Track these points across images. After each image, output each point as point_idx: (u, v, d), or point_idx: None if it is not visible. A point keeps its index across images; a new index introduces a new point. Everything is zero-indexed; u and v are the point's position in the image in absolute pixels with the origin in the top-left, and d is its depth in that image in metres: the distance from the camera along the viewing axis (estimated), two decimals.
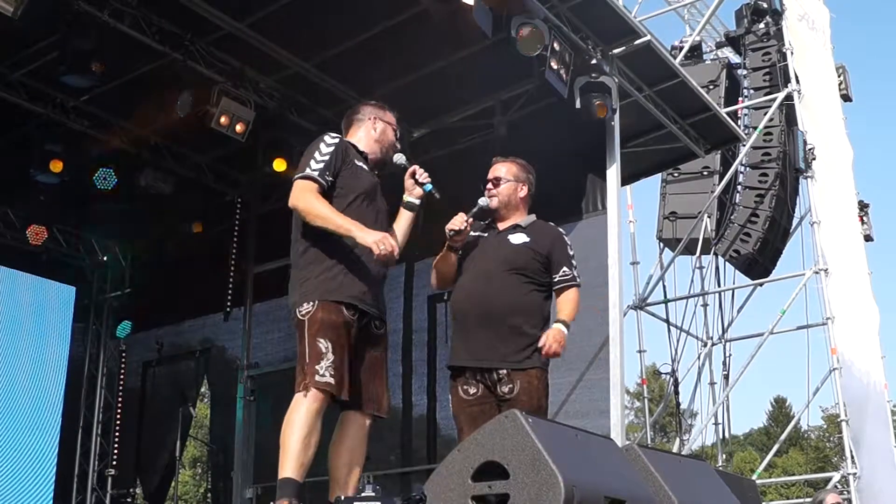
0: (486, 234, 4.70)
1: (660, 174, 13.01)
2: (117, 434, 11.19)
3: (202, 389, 12.72)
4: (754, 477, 12.18)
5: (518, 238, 4.62)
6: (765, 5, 13.54)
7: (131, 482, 11.20)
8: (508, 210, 4.72)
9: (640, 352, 14.15)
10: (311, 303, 3.99)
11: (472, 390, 4.45)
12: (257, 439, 10.18)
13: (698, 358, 14.08)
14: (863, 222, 14.68)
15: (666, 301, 13.69)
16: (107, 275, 11.85)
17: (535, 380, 4.43)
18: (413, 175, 4.38)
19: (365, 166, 4.31)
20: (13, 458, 10.43)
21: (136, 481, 11.31)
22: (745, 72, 13.85)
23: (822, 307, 12.09)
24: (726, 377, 13.69)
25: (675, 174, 13.55)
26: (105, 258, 11.78)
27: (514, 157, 4.90)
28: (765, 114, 12.96)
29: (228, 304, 10.62)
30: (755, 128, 13.04)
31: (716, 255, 13.73)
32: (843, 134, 14.46)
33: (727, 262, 13.67)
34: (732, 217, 13.40)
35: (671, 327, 13.66)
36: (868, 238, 14.86)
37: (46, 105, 9.03)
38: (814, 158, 12.59)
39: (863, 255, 14.13)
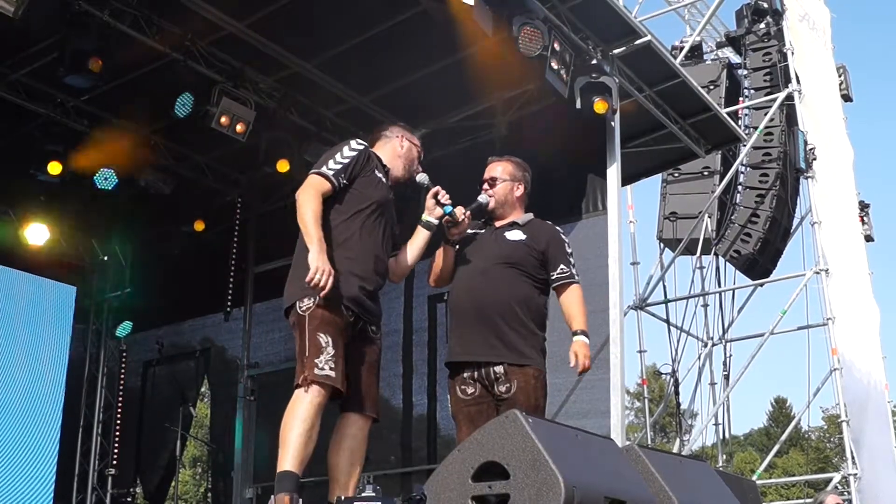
0: (482, 232, 4.72)
1: (660, 174, 13.02)
2: (117, 434, 11.18)
3: (202, 389, 12.71)
4: (755, 477, 12.17)
5: (515, 235, 4.64)
6: (765, 5, 13.55)
7: (131, 482, 11.20)
8: (505, 209, 4.74)
9: (640, 352, 14.17)
10: (311, 299, 4.00)
11: (470, 390, 4.44)
12: (257, 439, 10.19)
13: (698, 358, 14.10)
14: (863, 222, 14.68)
15: (666, 301, 13.70)
16: (107, 274, 11.84)
17: (533, 379, 4.41)
18: (435, 195, 4.48)
19: (384, 179, 4.39)
20: (13, 458, 10.42)
21: (136, 481, 11.31)
22: (745, 72, 13.85)
23: (822, 307, 12.10)
24: (727, 377, 13.69)
25: (676, 174, 13.56)
26: (105, 258, 11.76)
27: (510, 155, 4.92)
28: (765, 114, 12.97)
29: (229, 303, 10.62)
30: (756, 128, 13.04)
31: (716, 255, 13.73)
32: (843, 134, 14.47)
33: (727, 263, 13.69)
34: (733, 217, 13.41)
35: (671, 327, 13.66)
36: (869, 238, 14.87)
37: (47, 105, 9.02)
38: (814, 158, 12.59)
39: (863, 255, 14.14)
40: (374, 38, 8.21)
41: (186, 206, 10.46)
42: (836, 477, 12.47)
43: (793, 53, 13.11)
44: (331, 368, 3.92)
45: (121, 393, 11.34)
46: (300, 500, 3.79)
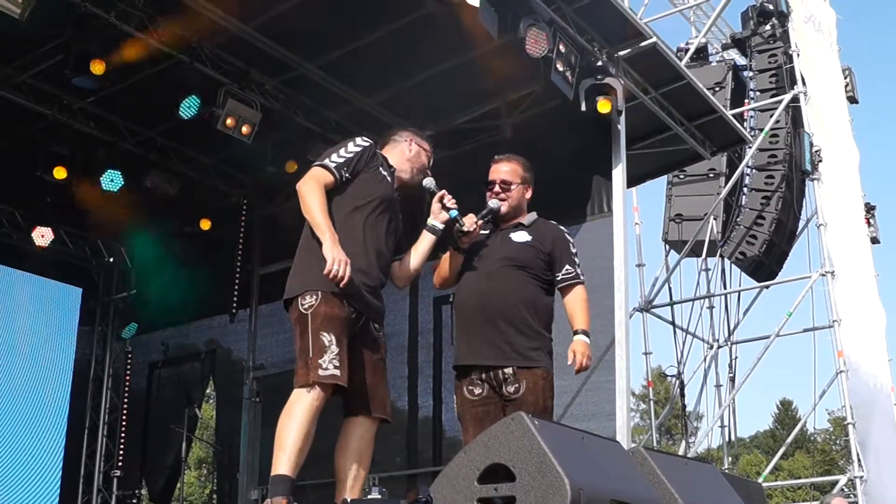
0: (487, 233, 4.70)
1: (665, 176, 13.01)
2: (123, 435, 11.20)
3: (207, 391, 12.73)
4: (760, 480, 12.16)
5: (521, 236, 4.62)
6: (771, 7, 13.55)
7: (137, 483, 11.22)
8: (515, 212, 4.72)
9: (645, 354, 14.17)
10: (314, 295, 3.97)
11: (478, 391, 4.44)
12: (262, 440, 10.18)
13: (704, 360, 14.09)
14: (869, 224, 14.67)
15: (672, 303, 13.70)
16: (113, 276, 11.87)
17: (541, 379, 4.42)
18: (441, 199, 4.46)
19: (388, 177, 4.36)
20: (19, 459, 10.44)
21: (141, 482, 11.33)
22: (750, 73, 13.85)
23: (828, 310, 12.08)
24: (732, 379, 13.68)
25: (681, 176, 13.55)
26: (111, 259, 11.80)
27: (513, 154, 4.90)
28: (771, 116, 12.96)
29: (234, 305, 10.63)
30: (761, 130, 13.04)
31: (722, 257, 13.72)
32: (849, 136, 14.45)
33: (733, 265, 13.68)
34: (738, 219, 13.40)
35: (677, 330, 13.66)
36: (874, 240, 14.85)
37: (53, 107, 9.04)
38: (820, 160, 12.58)
39: (869, 257, 14.11)
40: (380, 41, 8.21)
41: (192, 207, 10.48)
42: (842, 479, 12.44)
43: (798, 55, 13.10)
44: (335, 367, 3.88)
45: (126, 394, 11.37)
46: None
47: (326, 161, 4.19)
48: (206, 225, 10.59)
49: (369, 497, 3.77)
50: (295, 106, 9.11)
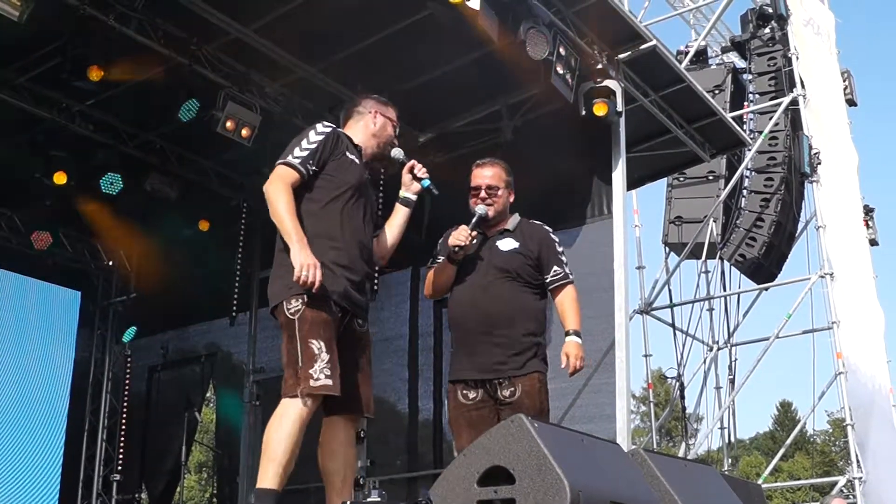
0: (475, 241, 4.64)
1: (665, 179, 13.02)
2: (122, 439, 11.16)
3: (208, 394, 12.71)
4: (760, 481, 12.16)
5: (507, 244, 4.60)
6: (770, 10, 13.58)
7: (136, 487, 11.20)
8: (500, 216, 4.70)
9: (645, 356, 14.17)
10: (299, 299, 3.85)
11: (472, 395, 4.45)
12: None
13: (704, 362, 14.10)
14: (868, 226, 14.69)
15: (672, 305, 13.72)
16: (112, 279, 11.85)
17: (538, 382, 4.44)
18: (411, 170, 4.33)
19: (357, 160, 4.18)
20: (18, 463, 10.43)
21: (141, 486, 11.31)
22: (750, 76, 13.88)
23: (827, 311, 12.10)
24: (732, 381, 13.69)
25: (681, 179, 13.57)
26: (110, 263, 11.78)
27: (494, 158, 4.84)
28: (770, 118, 12.98)
29: (234, 308, 10.61)
30: (760, 132, 13.06)
31: (721, 259, 13.74)
32: (848, 138, 14.47)
33: (733, 267, 13.69)
34: (738, 221, 13.42)
35: (677, 332, 13.68)
36: (873, 242, 14.87)
37: (52, 110, 9.02)
38: (819, 163, 12.60)
39: (868, 259, 14.13)
40: (380, 43, 8.21)
41: (192, 210, 10.46)
42: (842, 480, 12.45)
43: (797, 58, 13.12)
44: (326, 377, 3.77)
45: (126, 398, 11.33)
46: None
47: (290, 158, 4.00)
48: (205, 223, 10.53)
49: (369, 500, 3.76)
50: (295, 109, 9.11)
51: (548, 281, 4.59)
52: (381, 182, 9.32)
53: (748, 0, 14.60)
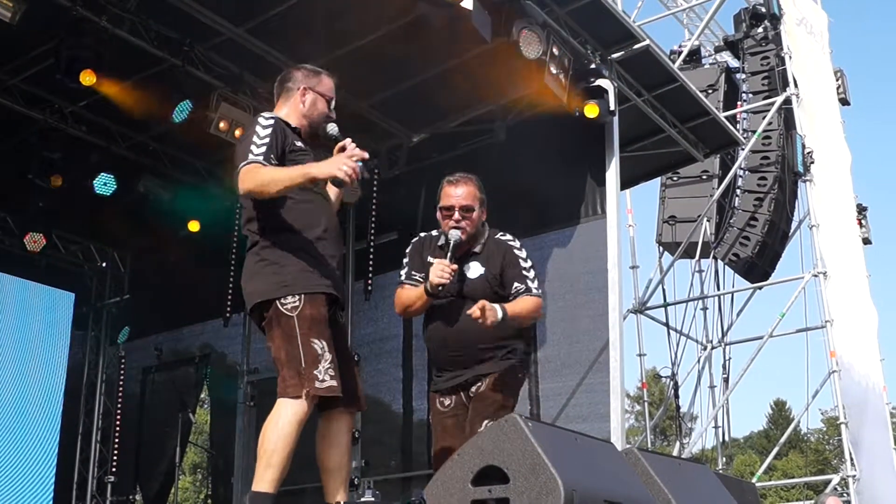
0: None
1: (659, 178, 13.04)
2: (117, 440, 11.15)
3: (202, 395, 12.69)
4: (754, 480, 12.17)
5: (474, 270, 4.44)
6: (763, 10, 13.60)
7: (131, 489, 11.17)
8: (472, 237, 4.45)
9: (640, 355, 14.17)
10: (296, 297, 3.76)
11: (447, 402, 4.47)
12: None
13: (698, 361, 14.12)
14: (861, 225, 14.72)
15: (665, 305, 13.73)
16: (106, 281, 11.84)
17: (506, 376, 4.40)
18: (342, 149, 3.93)
19: (302, 145, 4.01)
20: (12, 465, 10.41)
21: (135, 488, 11.28)
22: (743, 76, 13.89)
23: (821, 310, 12.13)
24: (726, 380, 13.72)
25: (675, 178, 13.58)
26: (104, 264, 11.77)
27: (464, 174, 4.53)
28: (763, 118, 13.00)
29: (228, 309, 10.59)
30: (754, 131, 13.07)
31: (715, 258, 13.76)
32: (841, 138, 14.49)
33: (726, 266, 13.70)
34: (731, 221, 13.43)
35: (671, 331, 13.70)
36: (866, 241, 14.90)
37: (44, 111, 9.02)
38: (812, 162, 12.62)
39: (861, 257, 14.16)
40: (374, 44, 8.21)
41: (185, 211, 10.44)
42: (836, 479, 12.49)
43: (790, 57, 13.14)
44: (331, 378, 3.69)
45: (120, 399, 11.32)
46: None
47: (251, 157, 3.77)
48: (194, 223, 10.43)
49: (363, 500, 3.76)
50: None
51: (509, 299, 4.37)
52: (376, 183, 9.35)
53: (741, 0, 14.65)
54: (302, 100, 4.11)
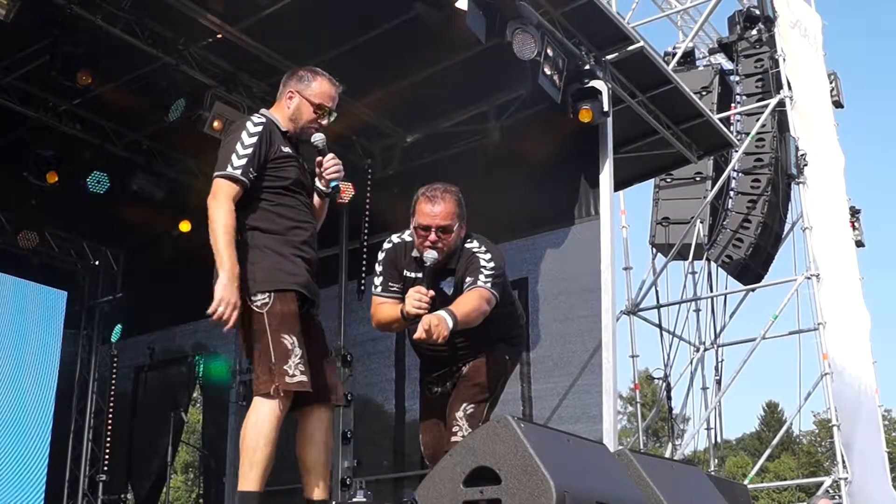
0: (420, 276, 4.31)
1: (652, 180, 13.05)
2: (108, 439, 11.12)
3: (194, 394, 12.67)
4: (746, 482, 12.19)
5: (449, 285, 4.33)
6: (757, 12, 13.61)
7: (122, 488, 11.14)
8: (448, 256, 4.28)
9: (632, 357, 14.22)
10: (266, 294, 3.76)
11: (436, 388, 4.61)
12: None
13: (691, 363, 14.15)
14: (854, 228, 14.76)
15: (658, 306, 13.75)
16: (99, 279, 11.81)
17: (489, 359, 4.42)
18: (320, 164, 4.02)
19: (290, 150, 3.99)
20: (3, 463, 10.38)
21: (127, 487, 11.25)
22: (737, 78, 13.91)
23: (813, 312, 12.15)
24: (718, 382, 13.74)
25: (668, 180, 13.60)
26: (96, 262, 11.74)
27: (441, 187, 4.29)
28: (757, 120, 13.03)
29: None
30: (747, 134, 13.10)
31: (708, 260, 13.78)
32: (834, 140, 14.53)
33: (719, 268, 13.73)
34: (725, 222, 13.46)
35: (664, 332, 13.71)
36: (859, 244, 14.94)
37: (38, 109, 8.99)
38: (805, 164, 12.65)
39: (854, 260, 14.20)
40: (368, 43, 8.20)
41: (178, 210, 10.42)
42: (828, 481, 12.50)
43: (784, 60, 13.16)
44: (301, 373, 3.70)
45: (112, 398, 11.29)
46: None
47: (229, 169, 3.78)
48: (185, 224, 10.38)
49: (355, 500, 3.75)
50: None
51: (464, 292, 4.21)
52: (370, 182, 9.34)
53: (735, 2, 14.68)
54: (287, 103, 4.09)
